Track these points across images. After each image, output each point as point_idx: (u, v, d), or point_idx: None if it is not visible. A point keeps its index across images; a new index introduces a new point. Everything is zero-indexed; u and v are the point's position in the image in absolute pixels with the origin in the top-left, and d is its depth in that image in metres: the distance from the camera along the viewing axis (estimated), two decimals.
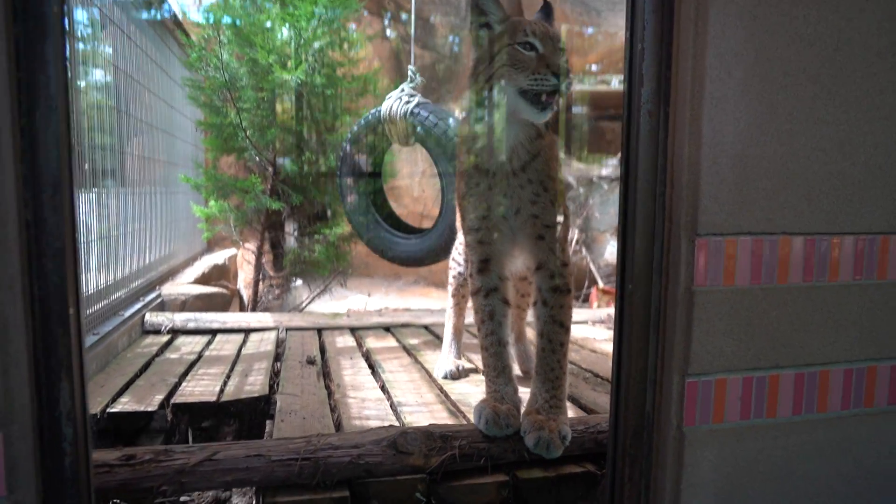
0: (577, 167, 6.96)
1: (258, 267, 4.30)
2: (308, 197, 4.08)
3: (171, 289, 4.43)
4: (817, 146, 1.47)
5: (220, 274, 5.19)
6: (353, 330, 3.88)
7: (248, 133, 3.95)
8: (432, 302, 6.41)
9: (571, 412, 2.06)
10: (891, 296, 1.57)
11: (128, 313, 3.51)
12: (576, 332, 3.83)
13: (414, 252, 3.50)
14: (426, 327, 3.94)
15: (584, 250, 6.57)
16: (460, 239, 2.53)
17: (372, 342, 3.51)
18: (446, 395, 2.44)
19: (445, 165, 3.20)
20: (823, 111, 1.46)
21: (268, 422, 2.13)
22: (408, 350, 3.28)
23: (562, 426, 1.78)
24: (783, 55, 1.42)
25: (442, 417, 2.16)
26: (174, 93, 4.97)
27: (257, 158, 4.05)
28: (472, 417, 2.15)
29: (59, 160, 1.17)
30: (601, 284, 6.34)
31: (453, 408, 2.28)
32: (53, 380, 1.21)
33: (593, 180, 6.75)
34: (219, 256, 5.40)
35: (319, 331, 3.85)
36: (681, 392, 1.45)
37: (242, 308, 4.82)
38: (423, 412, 2.21)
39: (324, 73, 4.14)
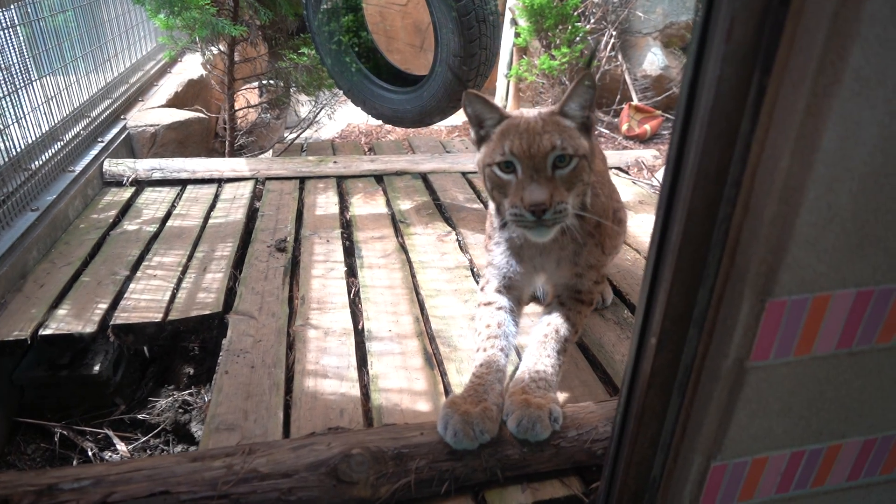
0: None
1: (230, 97, 3.68)
2: (278, 13, 3.27)
3: (138, 117, 3.89)
4: None
5: (198, 91, 4.55)
6: (341, 180, 3.42)
7: None
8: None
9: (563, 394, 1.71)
10: None
11: (81, 165, 3.07)
12: None
13: (403, 109, 2.84)
14: (423, 177, 3.46)
15: (619, 57, 5.63)
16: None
17: (358, 205, 3.08)
18: (426, 320, 2.09)
19: (442, 11, 2.42)
20: None
21: (216, 372, 1.82)
22: (396, 223, 2.86)
23: (552, 405, 1.45)
24: None
25: (415, 367, 1.84)
26: None
27: None
28: (449, 366, 1.84)
29: None
30: (635, 100, 5.55)
31: (430, 347, 1.94)
32: None
33: None
34: (193, 68, 4.69)
35: (302, 181, 3.40)
36: (702, 474, 1.08)
37: (234, 129, 4.26)
38: (393, 356, 1.89)
39: None
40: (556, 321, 1.68)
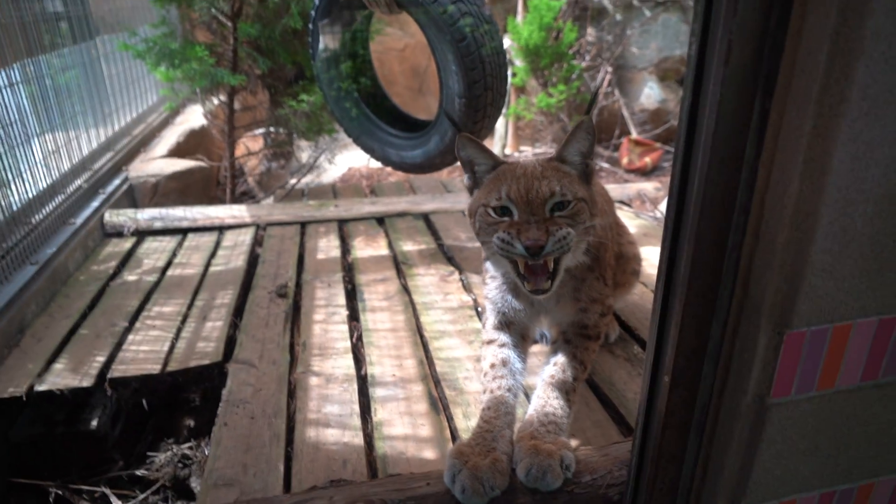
0: None
1: (231, 146, 3.70)
2: (277, 61, 3.32)
3: (140, 168, 3.91)
4: None
5: (199, 140, 4.59)
6: (342, 224, 3.40)
7: None
8: None
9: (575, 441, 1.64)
10: None
11: (82, 218, 3.06)
12: None
13: (409, 156, 2.82)
14: (425, 217, 3.44)
15: (616, 92, 5.69)
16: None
17: (360, 248, 3.06)
18: (430, 363, 2.04)
19: (444, 52, 2.42)
20: None
21: (215, 424, 1.76)
22: (399, 265, 2.82)
23: (563, 451, 1.38)
24: None
25: (420, 412, 1.77)
26: None
27: (212, 10, 3.24)
28: (456, 410, 1.78)
29: None
30: (634, 134, 5.58)
31: (435, 391, 1.88)
32: None
33: (633, 3, 5.61)
34: (195, 118, 4.75)
35: (303, 225, 3.38)
36: None
37: (235, 178, 4.27)
38: (398, 401, 1.83)
39: None
40: (562, 360, 1.62)
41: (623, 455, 1.42)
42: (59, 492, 1.97)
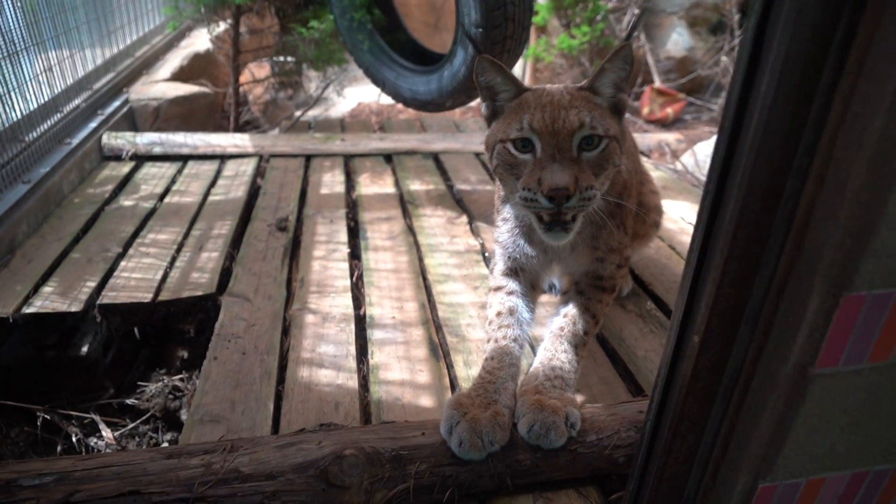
0: None
1: (235, 70, 3.52)
2: None
3: (142, 90, 3.75)
4: None
5: (204, 65, 4.39)
6: (348, 159, 3.27)
7: None
8: None
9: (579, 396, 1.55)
10: None
11: (78, 138, 2.94)
12: None
13: (421, 91, 2.63)
14: (435, 157, 3.29)
15: (642, 37, 5.39)
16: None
17: (365, 185, 2.93)
18: (433, 307, 1.94)
19: None
20: None
21: (206, 358, 1.69)
22: (405, 205, 2.70)
23: (569, 407, 1.30)
24: None
25: (419, 358, 1.69)
26: None
27: None
28: (457, 358, 1.69)
29: None
30: (657, 83, 5.32)
31: (436, 336, 1.80)
32: None
33: None
34: (200, 42, 4.53)
35: (308, 158, 3.25)
36: (746, 495, 0.92)
37: (239, 105, 4.09)
38: (396, 345, 1.74)
39: None
40: (573, 312, 1.52)
41: (632, 415, 1.33)
42: (47, 416, 1.93)
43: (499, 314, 1.50)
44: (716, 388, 0.88)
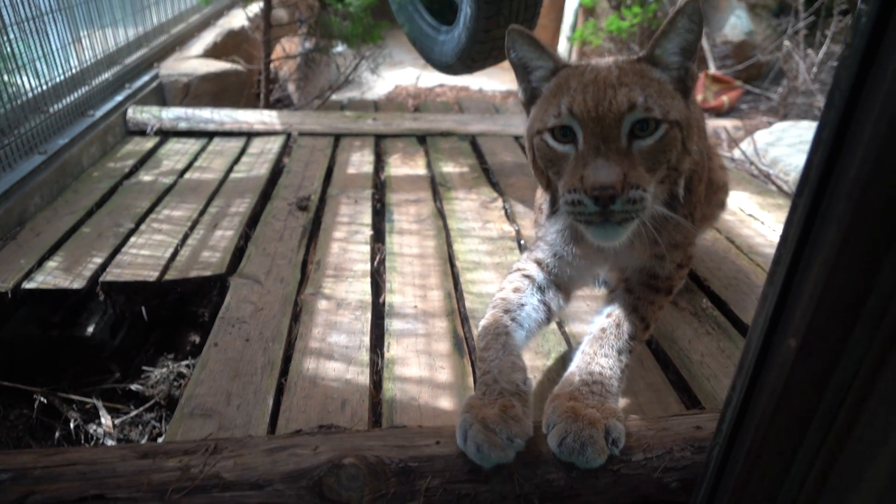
0: None
1: (266, 44, 3.39)
2: None
3: (172, 66, 3.65)
4: None
5: (238, 42, 4.29)
6: (379, 139, 3.09)
7: None
8: (499, 83, 5.31)
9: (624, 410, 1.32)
10: None
11: (102, 110, 2.84)
12: None
13: (442, 52, 2.43)
14: (472, 139, 3.09)
15: None
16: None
17: (395, 165, 2.75)
18: (459, 297, 1.75)
19: None
20: None
21: (206, 344, 1.54)
22: (436, 187, 2.51)
23: (610, 420, 1.08)
24: None
25: (441, 353, 1.50)
26: None
27: None
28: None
29: None
30: (712, 69, 4.98)
31: (462, 329, 1.60)
32: None
33: None
34: (237, 21, 4.43)
35: (337, 138, 3.09)
36: None
37: (270, 82, 3.94)
38: (416, 337, 1.56)
39: None
40: (618, 312, 1.28)
41: (687, 432, 1.11)
42: (44, 399, 1.81)
43: (517, 290, 1.28)
44: (814, 408, 0.66)
